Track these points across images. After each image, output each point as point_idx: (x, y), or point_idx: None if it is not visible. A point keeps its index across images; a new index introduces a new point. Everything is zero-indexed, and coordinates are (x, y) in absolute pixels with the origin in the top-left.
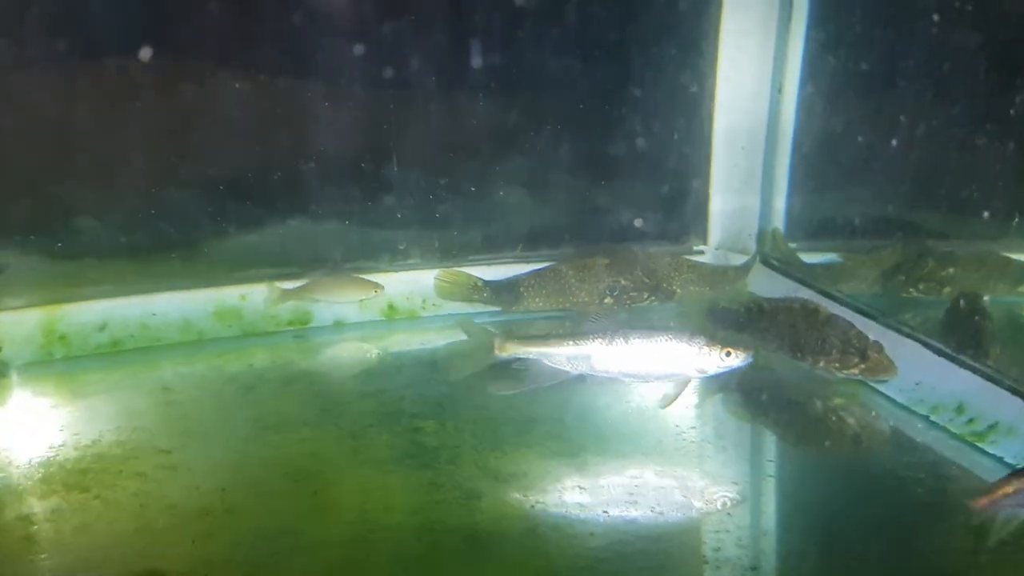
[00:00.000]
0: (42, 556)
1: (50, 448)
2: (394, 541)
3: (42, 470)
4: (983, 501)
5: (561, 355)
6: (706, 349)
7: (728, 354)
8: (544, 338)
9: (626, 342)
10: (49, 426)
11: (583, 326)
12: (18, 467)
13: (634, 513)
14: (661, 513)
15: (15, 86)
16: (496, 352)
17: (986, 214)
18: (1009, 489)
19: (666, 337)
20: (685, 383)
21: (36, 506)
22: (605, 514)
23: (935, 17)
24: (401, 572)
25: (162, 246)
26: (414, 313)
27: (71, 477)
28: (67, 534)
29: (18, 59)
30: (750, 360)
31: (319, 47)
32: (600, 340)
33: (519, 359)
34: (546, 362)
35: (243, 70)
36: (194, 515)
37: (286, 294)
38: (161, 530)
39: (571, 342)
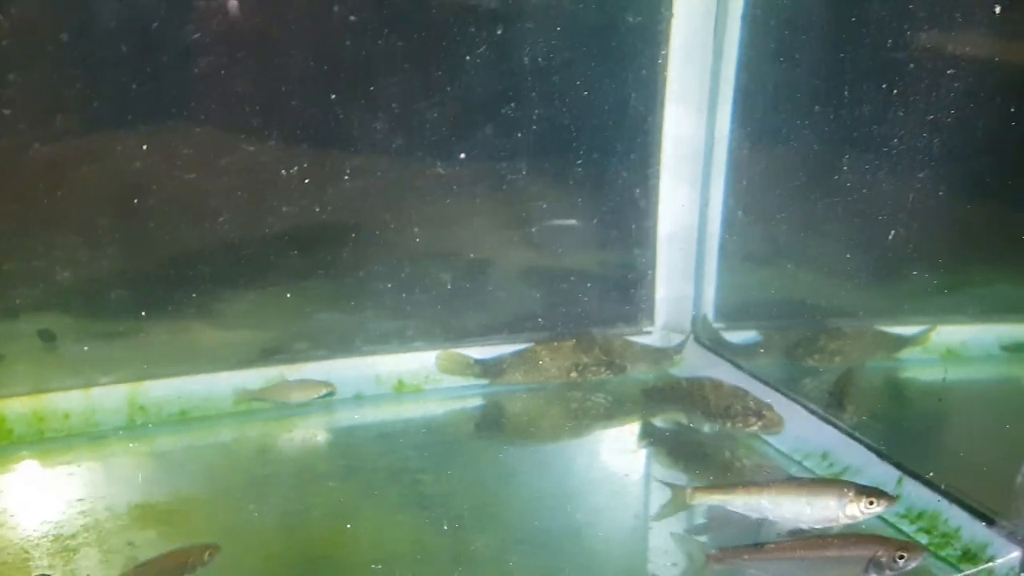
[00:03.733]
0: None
1: (141, 495)
2: (400, 563)
3: (138, 511)
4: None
5: (739, 503)
6: (855, 499)
7: (872, 503)
8: (726, 488)
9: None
10: (138, 478)
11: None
12: (119, 509)
13: (592, 534)
14: (612, 538)
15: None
16: (687, 500)
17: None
18: (744, 555)
19: (826, 490)
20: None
21: (136, 536)
22: (565, 540)
23: (838, 150)
24: None
25: (220, 333)
26: (419, 387)
27: (161, 515)
28: None
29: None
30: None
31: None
32: (772, 491)
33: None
34: (728, 508)
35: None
36: (256, 542)
37: (249, 393)
38: (235, 552)
39: (749, 492)
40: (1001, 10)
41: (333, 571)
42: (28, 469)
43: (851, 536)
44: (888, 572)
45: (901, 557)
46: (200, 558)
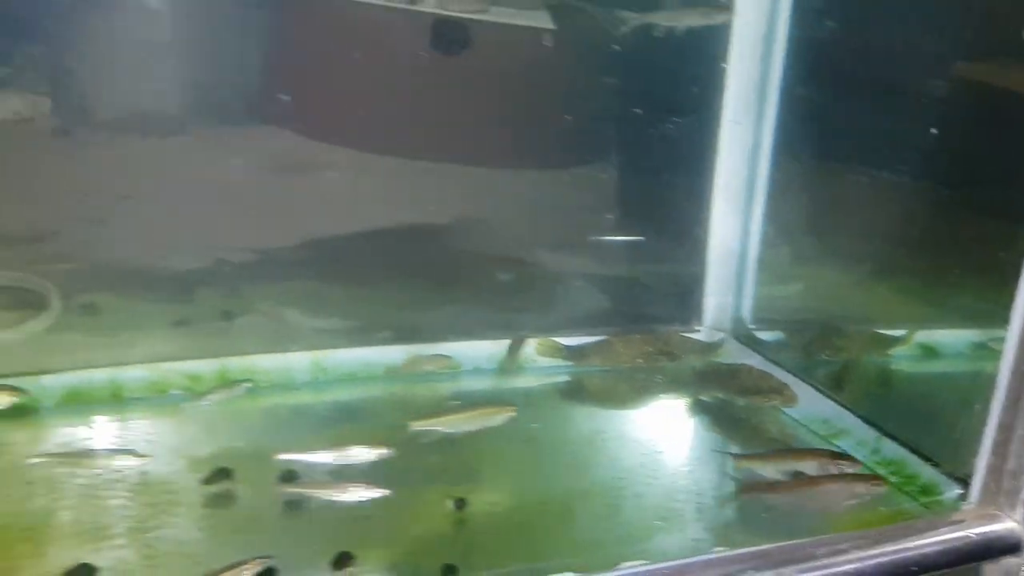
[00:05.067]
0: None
1: (327, 425)
2: (514, 471)
3: (328, 434)
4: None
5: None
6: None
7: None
8: (758, 456)
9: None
10: (323, 415)
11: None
12: (314, 434)
13: (644, 469)
14: (660, 472)
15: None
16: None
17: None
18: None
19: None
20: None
21: None
22: (624, 471)
23: (839, 194)
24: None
25: (372, 316)
26: (521, 365)
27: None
28: None
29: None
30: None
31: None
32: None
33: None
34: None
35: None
36: (413, 454)
37: (394, 369)
38: (400, 458)
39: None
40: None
41: (473, 475)
42: (246, 406)
43: (838, 475)
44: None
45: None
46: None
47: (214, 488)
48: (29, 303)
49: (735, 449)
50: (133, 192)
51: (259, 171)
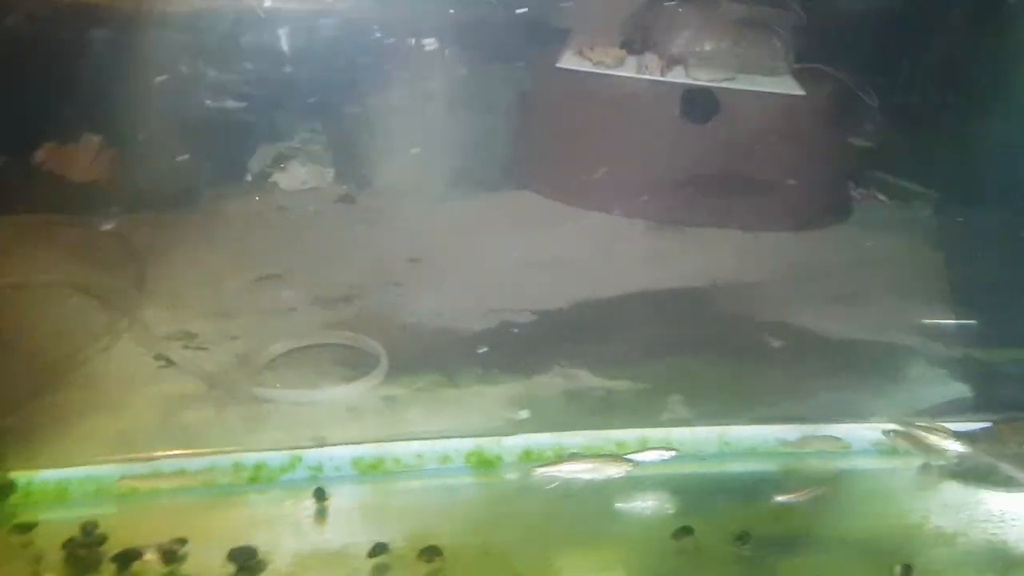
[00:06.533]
0: None
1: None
2: None
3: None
4: None
5: None
6: None
7: None
8: None
9: None
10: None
11: None
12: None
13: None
14: None
15: None
16: None
17: None
18: None
19: None
20: None
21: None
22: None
23: None
24: None
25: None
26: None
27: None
28: None
29: None
30: None
31: None
32: None
33: None
34: None
35: None
36: None
37: (789, 443)
38: None
39: None
40: None
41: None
42: (664, 472)
43: None
44: None
45: None
46: None
47: (680, 543)
48: (358, 362)
49: None
50: (422, 255)
51: (525, 234)
